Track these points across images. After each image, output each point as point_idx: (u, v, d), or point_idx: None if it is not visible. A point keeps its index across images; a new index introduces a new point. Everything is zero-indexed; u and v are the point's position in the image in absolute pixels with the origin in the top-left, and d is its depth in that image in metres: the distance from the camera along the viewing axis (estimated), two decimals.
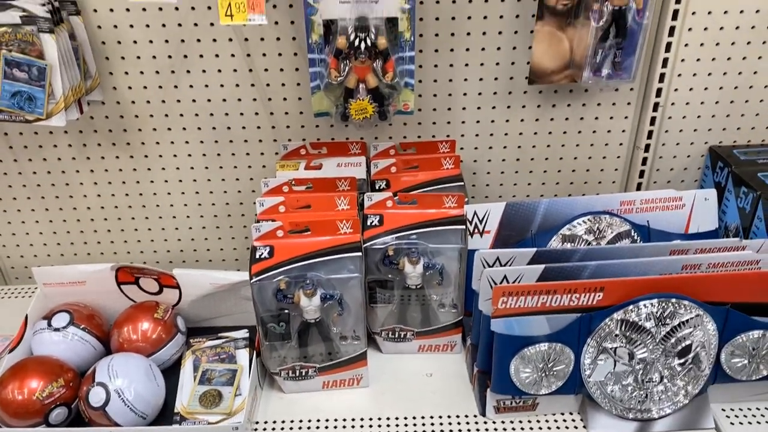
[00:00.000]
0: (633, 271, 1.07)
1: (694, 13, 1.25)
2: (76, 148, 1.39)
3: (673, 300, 1.03)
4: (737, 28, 1.27)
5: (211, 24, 1.25)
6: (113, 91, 1.32)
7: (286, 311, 1.12)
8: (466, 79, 1.33)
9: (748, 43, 1.29)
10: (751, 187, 1.25)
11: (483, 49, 1.29)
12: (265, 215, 1.19)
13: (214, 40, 1.27)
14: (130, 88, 1.32)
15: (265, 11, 0.91)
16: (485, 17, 1.26)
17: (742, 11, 1.25)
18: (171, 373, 1.19)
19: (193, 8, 1.23)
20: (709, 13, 1.25)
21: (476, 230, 1.23)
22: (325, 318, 1.14)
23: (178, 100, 1.33)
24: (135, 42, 1.27)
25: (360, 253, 1.12)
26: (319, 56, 1.16)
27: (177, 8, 1.22)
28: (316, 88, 1.19)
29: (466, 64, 1.31)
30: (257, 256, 1.11)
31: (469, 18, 1.26)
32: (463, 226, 1.18)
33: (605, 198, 1.26)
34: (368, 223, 1.18)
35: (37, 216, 1.47)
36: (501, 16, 1.26)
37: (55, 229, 1.49)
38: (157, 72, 1.30)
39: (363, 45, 1.09)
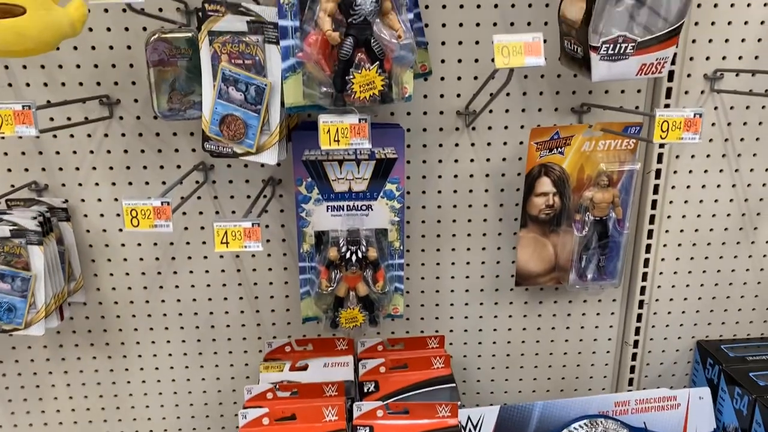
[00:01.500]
0: None
1: (669, 217, 1.31)
2: (52, 349, 1.33)
3: None
4: (711, 230, 1.33)
5: (202, 228, 1.27)
6: (96, 292, 1.30)
7: None
8: (453, 277, 1.34)
9: (723, 243, 1.34)
10: (745, 388, 1.23)
11: (468, 249, 1.32)
12: (248, 429, 1.13)
13: (204, 243, 1.28)
14: (114, 289, 1.30)
15: (261, 238, 0.92)
16: (469, 220, 1.30)
17: (714, 215, 1.31)
18: None
19: (184, 213, 1.25)
20: (684, 216, 1.31)
21: None
22: None
23: (163, 300, 1.31)
24: (123, 245, 1.27)
25: None
26: (309, 264, 1.16)
27: None
28: (306, 294, 1.19)
29: (453, 263, 1.33)
30: None
31: (454, 221, 1.30)
32: None
33: (599, 399, 1.23)
34: None
35: (1, 421, 1.37)
36: (485, 220, 1.30)
37: None
38: (143, 273, 1.29)
39: (354, 257, 1.10)
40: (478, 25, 1.17)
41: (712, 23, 1.20)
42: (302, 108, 0.93)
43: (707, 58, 1.22)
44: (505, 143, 1.25)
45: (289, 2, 0.86)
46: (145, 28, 1.13)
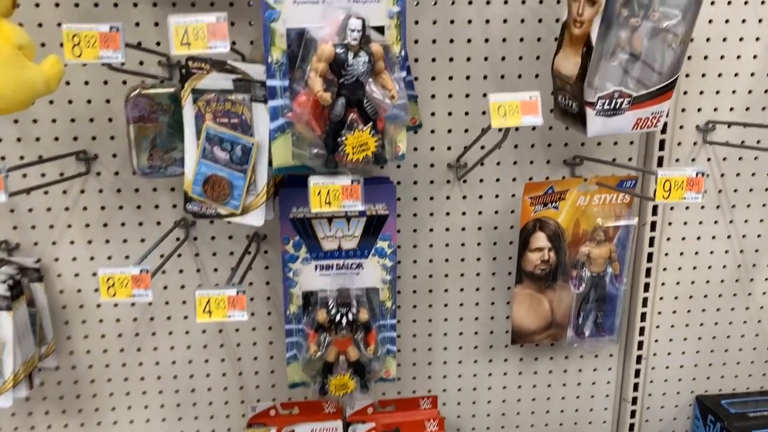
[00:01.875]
0: None
1: (665, 269, 1.28)
2: (20, 417, 1.25)
3: None
4: (708, 282, 1.30)
5: (182, 287, 1.21)
6: (69, 356, 1.22)
7: None
8: (445, 334, 1.29)
9: (720, 295, 1.31)
10: None
11: (461, 304, 1.28)
12: None
13: (184, 302, 1.22)
14: (88, 352, 1.23)
15: (246, 306, 0.87)
16: (462, 275, 1.26)
17: (710, 267, 1.29)
18: None
19: (164, 272, 1.19)
20: (680, 269, 1.29)
21: None
22: None
23: (140, 363, 1.24)
24: (98, 306, 1.20)
25: None
26: (296, 327, 1.11)
27: None
28: (292, 359, 1.12)
29: (446, 319, 1.28)
30: None
31: (447, 276, 1.26)
32: None
33: None
34: None
35: None
36: (478, 274, 1.26)
37: None
38: (120, 335, 1.22)
39: (344, 320, 1.04)
40: (468, 78, 1.15)
41: (703, 75, 1.19)
42: (291, 168, 0.88)
43: (699, 110, 1.21)
44: (497, 196, 1.22)
45: (278, 61, 0.83)
46: (125, 82, 1.09)
